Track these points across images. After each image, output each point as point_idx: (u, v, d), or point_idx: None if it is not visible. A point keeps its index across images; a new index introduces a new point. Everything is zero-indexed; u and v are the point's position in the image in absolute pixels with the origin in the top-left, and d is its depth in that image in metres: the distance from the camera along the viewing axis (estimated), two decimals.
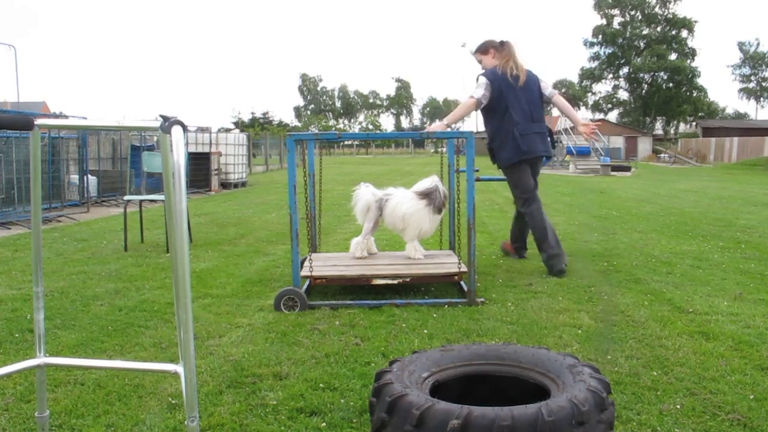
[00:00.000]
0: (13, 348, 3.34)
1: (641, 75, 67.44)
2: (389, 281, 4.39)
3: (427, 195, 4.74)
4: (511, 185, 5.39)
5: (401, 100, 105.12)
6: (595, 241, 6.88)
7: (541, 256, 5.23)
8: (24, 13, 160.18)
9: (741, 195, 13.45)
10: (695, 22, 65.51)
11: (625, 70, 68.97)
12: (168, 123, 1.60)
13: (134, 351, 3.31)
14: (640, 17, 67.44)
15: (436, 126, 5.09)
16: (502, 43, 5.41)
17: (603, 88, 76.97)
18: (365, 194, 4.93)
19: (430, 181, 4.78)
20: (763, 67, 68.93)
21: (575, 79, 76.18)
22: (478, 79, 5.30)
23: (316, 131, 5.41)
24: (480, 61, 5.49)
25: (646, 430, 2.36)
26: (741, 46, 70.31)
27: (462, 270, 4.40)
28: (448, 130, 5.02)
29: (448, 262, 4.70)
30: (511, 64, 5.27)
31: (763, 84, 69.76)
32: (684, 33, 66.63)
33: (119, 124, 1.82)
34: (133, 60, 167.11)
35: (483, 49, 5.46)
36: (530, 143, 5.18)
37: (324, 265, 4.68)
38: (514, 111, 5.17)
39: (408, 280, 4.42)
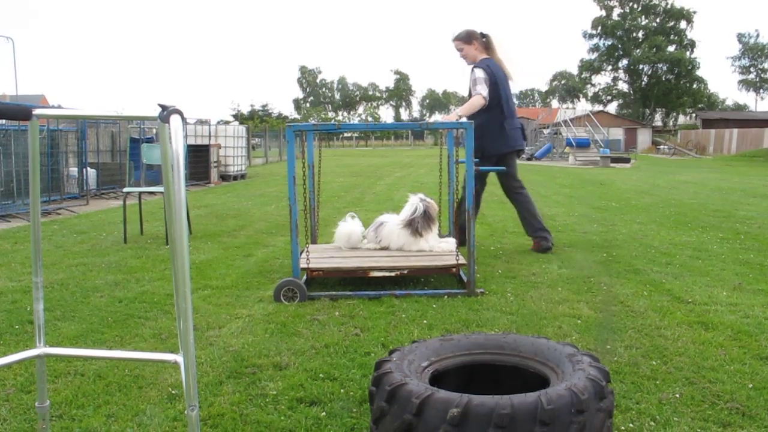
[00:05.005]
0: (14, 339, 3.34)
1: (641, 67, 67.29)
2: (386, 273, 4.40)
3: (409, 224, 4.82)
4: (505, 174, 5.56)
5: (400, 93, 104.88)
6: (595, 233, 6.89)
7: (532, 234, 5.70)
8: (22, 4, 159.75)
9: (740, 186, 13.44)
10: (694, 12, 65.36)
11: (625, 61, 68.81)
12: (166, 112, 1.59)
13: (134, 342, 3.31)
14: (639, 9, 67.24)
15: (452, 117, 5.13)
16: (484, 35, 5.45)
17: (602, 79, 76.71)
18: (352, 228, 5.01)
19: (410, 207, 4.86)
20: (763, 58, 68.72)
21: (575, 71, 76.12)
22: (475, 72, 5.30)
23: (316, 123, 5.35)
24: (460, 50, 5.51)
25: (645, 418, 2.37)
26: (740, 37, 70.06)
27: (460, 262, 4.40)
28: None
29: (446, 254, 4.70)
30: (499, 57, 5.44)
31: (763, 75, 69.55)
32: (683, 24, 66.46)
33: (118, 114, 1.82)
34: (132, 53, 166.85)
35: (469, 39, 5.46)
36: (517, 137, 5.53)
37: (321, 256, 4.67)
38: (505, 105, 5.41)
39: (405, 272, 4.42)
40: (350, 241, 4.98)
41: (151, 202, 10.20)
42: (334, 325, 3.55)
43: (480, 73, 5.26)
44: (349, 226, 5.04)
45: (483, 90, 5.22)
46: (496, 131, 5.37)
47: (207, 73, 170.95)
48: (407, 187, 12.61)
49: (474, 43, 5.46)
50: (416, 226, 4.78)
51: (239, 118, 61.90)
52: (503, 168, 5.43)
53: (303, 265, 4.35)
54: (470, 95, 5.37)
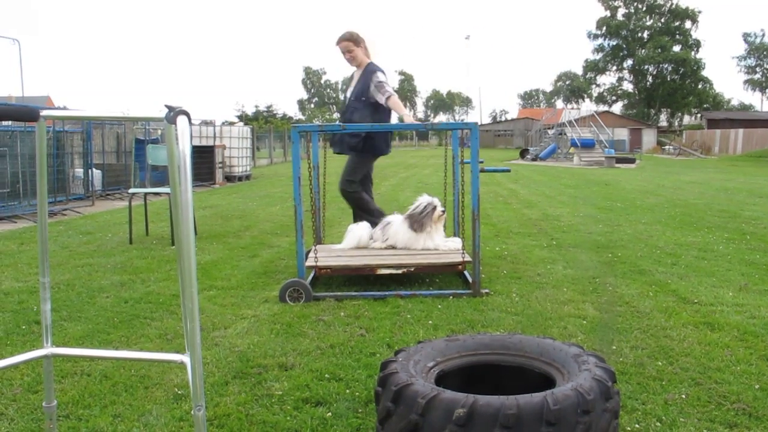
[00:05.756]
0: (21, 340, 3.36)
1: (645, 67, 67.09)
2: (393, 271, 4.40)
3: (409, 217, 4.86)
4: (354, 170, 5.39)
5: (405, 93, 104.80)
6: (600, 233, 6.87)
7: None
8: (28, 7, 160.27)
9: (746, 186, 13.40)
10: (699, 12, 65.10)
11: (630, 61, 68.62)
12: (173, 113, 1.59)
13: (140, 342, 3.32)
14: (644, 9, 67.04)
15: (410, 118, 5.19)
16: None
17: (607, 80, 76.54)
18: (360, 231, 5.03)
19: (415, 204, 4.91)
20: None
21: (579, 72, 75.93)
22: (378, 76, 5.28)
23: (320, 123, 5.39)
24: (350, 51, 5.41)
25: (651, 419, 2.37)
26: (746, 37, 69.76)
27: (466, 260, 4.41)
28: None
29: (452, 252, 4.70)
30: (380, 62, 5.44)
31: None
32: (688, 24, 66.22)
33: (124, 115, 1.82)
34: (137, 54, 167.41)
35: (358, 41, 5.42)
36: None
37: (329, 255, 4.69)
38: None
39: (412, 269, 4.42)
40: (360, 241, 5.00)
41: (156, 203, 10.22)
42: (339, 326, 3.55)
43: (382, 77, 5.29)
44: (359, 228, 5.07)
45: (391, 89, 5.27)
46: (384, 133, 5.38)
47: (212, 74, 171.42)
48: (412, 188, 12.62)
49: (361, 45, 5.43)
50: (417, 219, 4.79)
51: (244, 119, 61.88)
52: (508, 169, 5.44)
53: (311, 263, 4.36)
54: (361, 99, 5.32)
